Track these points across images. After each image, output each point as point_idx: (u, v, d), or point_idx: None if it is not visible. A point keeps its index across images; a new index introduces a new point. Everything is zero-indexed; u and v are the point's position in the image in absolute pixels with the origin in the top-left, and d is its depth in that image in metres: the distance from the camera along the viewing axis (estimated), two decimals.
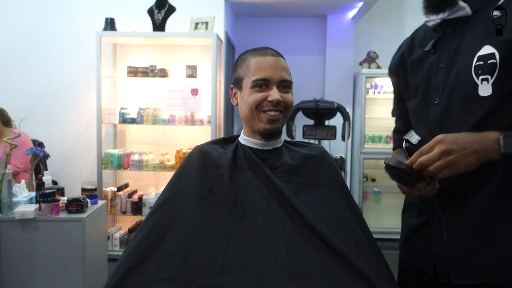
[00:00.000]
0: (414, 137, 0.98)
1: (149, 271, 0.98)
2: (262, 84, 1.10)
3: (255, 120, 1.12)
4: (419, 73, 1.10)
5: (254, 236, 1.01)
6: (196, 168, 1.13)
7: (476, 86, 0.94)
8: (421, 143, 0.97)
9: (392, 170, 0.95)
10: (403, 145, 0.99)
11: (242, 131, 1.21)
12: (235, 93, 1.18)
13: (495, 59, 0.91)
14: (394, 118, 1.33)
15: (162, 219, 1.06)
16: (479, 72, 0.93)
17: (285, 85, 1.12)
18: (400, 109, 1.26)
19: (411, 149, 0.98)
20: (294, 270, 0.96)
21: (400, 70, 1.18)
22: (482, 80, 0.93)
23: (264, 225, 1.02)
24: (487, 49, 0.93)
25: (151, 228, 1.05)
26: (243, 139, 1.18)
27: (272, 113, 1.10)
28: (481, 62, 0.93)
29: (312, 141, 3.81)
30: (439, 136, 0.91)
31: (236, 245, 1.00)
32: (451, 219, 1.01)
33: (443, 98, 1.01)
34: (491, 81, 0.92)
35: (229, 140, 1.24)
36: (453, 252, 1.00)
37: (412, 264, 1.13)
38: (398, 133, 1.27)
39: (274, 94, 1.08)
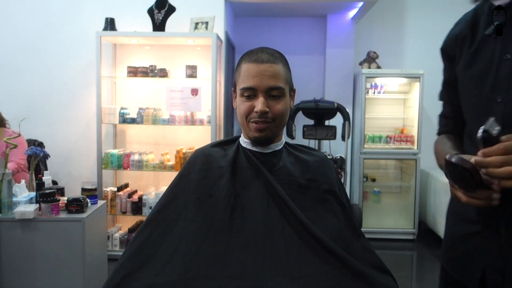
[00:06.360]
0: (493, 127, 0.78)
1: (148, 276, 0.97)
2: (249, 93, 1.08)
3: (246, 129, 1.13)
4: (478, 62, 0.92)
5: (254, 240, 1.00)
6: (197, 171, 1.13)
7: None
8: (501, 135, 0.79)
9: (454, 168, 0.82)
10: (479, 135, 0.79)
11: (242, 132, 1.21)
12: (235, 96, 1.17)
13: None
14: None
15: (161, 223, 1.06)
16: None
17: (274, 93, 1.07)
18: (449, 94, 1.09)
19: (489, 141, 0.79)
20: (294, 274, 0.95)
21: (457, 51, 1.00)
22: None
23: (263, 228, 1.02)
24: None
25: (150, 232, 1.05)
26: (243, 141, 1.18)
27: (259, 124, 1.08)
28: None
29: (312, 141, 3.81)
30: None
31: (236, 249, 0.99)
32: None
33: (508, 96, 0.84)
34: None
35: (230, 141, 1.24)
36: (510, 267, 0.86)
37: (454, 277, 1.01)
38: (446, 118, 1.13)
39: (259, 104, 1.06)
